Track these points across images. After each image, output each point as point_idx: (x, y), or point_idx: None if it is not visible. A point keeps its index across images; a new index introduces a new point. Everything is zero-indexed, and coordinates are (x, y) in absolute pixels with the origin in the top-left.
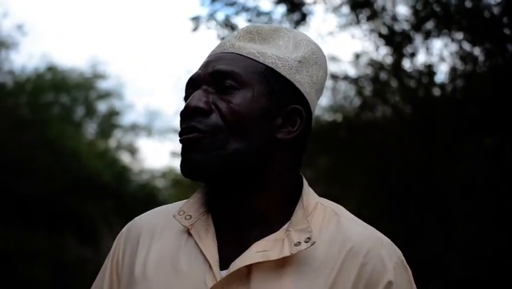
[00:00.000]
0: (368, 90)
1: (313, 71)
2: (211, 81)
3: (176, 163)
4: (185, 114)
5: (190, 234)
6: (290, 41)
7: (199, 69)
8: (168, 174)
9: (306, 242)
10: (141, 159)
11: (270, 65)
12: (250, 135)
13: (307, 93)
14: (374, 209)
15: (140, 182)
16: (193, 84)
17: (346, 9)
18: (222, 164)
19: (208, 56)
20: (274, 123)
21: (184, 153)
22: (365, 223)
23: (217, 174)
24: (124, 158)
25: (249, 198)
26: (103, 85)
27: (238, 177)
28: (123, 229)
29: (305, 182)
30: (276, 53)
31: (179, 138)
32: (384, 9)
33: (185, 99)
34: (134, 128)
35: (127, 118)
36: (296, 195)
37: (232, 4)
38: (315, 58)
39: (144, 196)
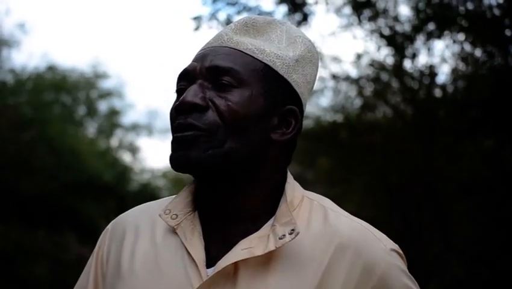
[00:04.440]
0: (369, 91)
1: (308, 70)
2: (207, 76)
3: None
4: (180, 109)
5: (176, 233)
6: (283, 35)
7: (194, 61)
8: (169, 174)
9: (290, 234)
10: (142, 158)
11: (268, 63)
12: (247, 135)
13: (302, 93)
14: (374, 209)
15: (141, 182)
16: (187, 77)
17: (347, 9)
18: (216, 163)
19: (204, 48)
20: (270, 123)
21: (178, 150)
22: (352, 216)
23: (210, 172)
24: (125, 157)
25: (238, 196)
26: (104, 84)
27: (229, 176)
28: (108, 226)
29: (289, 176)
30: (274, 51)
31: (173, 134)
32: (385, 10)
33: (178, 91)
34: (135, 127)
35: (128, 118)
36: (281, 190)
37: (233, 4)
38: (310, 56)
39: (145, 196)
